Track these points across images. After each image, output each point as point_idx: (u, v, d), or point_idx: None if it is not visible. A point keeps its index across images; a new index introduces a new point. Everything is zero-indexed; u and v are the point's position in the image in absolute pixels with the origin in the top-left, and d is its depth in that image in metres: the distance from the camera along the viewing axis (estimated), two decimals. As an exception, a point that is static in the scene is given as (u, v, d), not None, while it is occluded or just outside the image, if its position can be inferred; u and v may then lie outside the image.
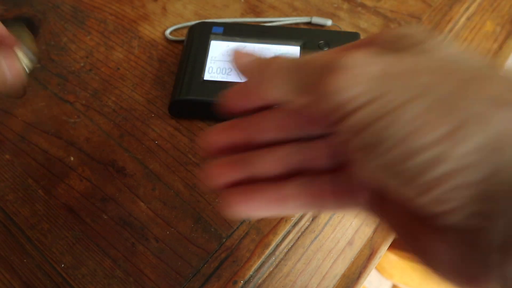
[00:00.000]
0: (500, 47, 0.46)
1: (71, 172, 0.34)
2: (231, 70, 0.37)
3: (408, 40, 0.18)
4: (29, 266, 0.30)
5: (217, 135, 0.23)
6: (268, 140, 0.23)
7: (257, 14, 0.45)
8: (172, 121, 0.37)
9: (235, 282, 0.29)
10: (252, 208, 0.21)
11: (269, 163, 0.22)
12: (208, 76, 0.36)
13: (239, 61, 0.21)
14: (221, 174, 0.22)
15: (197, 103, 0.35)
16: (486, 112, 0.14)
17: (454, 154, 0.13)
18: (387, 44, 0.18)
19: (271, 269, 0.30)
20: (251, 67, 0.20)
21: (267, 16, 0.45)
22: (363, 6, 0.46)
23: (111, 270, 0.30)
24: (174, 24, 0.44)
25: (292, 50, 0.38)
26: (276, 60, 0.19)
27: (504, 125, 0.13)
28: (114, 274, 0.30)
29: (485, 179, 0.13)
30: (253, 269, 0.30)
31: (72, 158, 0.35)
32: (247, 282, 0.30)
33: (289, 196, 0.21)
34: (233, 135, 0.23)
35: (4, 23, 0.25)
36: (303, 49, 0.38)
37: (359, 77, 0.15)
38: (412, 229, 0.17)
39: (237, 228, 0.31)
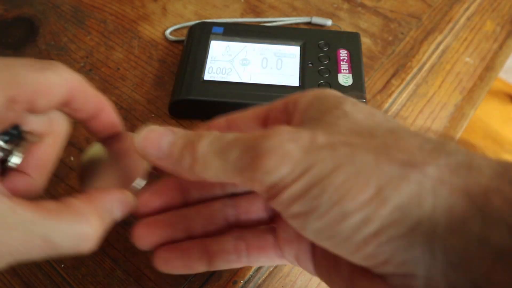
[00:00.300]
0: (500, 47, 0.46)
1: (71, 172, 0.34)
2: (231, 70, 0.37)
3: (323, 105, 0.19)
4: (29, 266, 0.30)
5: (153, 197, 0.24)
6: (203, 197, 0.24)
7: (257, 14, 0.45)
8: (172, 121, 0.37)
9: (235, 282, 0.29)
10: (185, 266, 0.22)
11: (203, 219, 0.23)
12: (208, 76, 0.36)
13: (153, 145, 0.20)
14: (154, 233, 0.23)
15: (197, 103, 0.35)
16: (400, 176, 0.15)
17: (379, 214, 0.15)
18: (304, 111, 0.20)
19: (271, 269, 0.30)
20: (173, 153, 0.19)
21: (267, 16, 0.45)
22: (363, 6, 0.46)
23: (111, 270, 0.30)
24: (174, 24, 0.44)
25: (292, 50, 0.38)
26: (200, 141, 0.19)
27: (414, 186, 0.15)
28: (114, 274, 0.29)
29: (407, 233, 0.15)
30: (253, 269, 0.30)
31: (72, 158, 0.35)
32: (247, 282, 0.30)
33: (224, 250, 0.22)
34: (168, 195, 0.24)
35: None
36: (303, 49, 0.38)
37: (285, 157, 0.16)
38: (353, 277, 0.18)
39: (237, 228, 0.31)
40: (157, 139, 0.20)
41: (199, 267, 0.23)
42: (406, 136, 0.17)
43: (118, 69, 0.40)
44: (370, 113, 0.19)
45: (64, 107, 0.22)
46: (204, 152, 0.18)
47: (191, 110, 0.36)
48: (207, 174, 0.19)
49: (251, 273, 0.30)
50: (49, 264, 0.30)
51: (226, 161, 0.18)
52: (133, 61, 0.41)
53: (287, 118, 0.21)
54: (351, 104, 0.19)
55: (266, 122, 0.23)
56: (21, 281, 0.29)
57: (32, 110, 0.20)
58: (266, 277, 0.30)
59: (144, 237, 0.23)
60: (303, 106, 0.20)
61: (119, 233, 0.31)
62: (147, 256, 0.30)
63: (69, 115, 0.23)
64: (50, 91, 0.20)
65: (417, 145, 0.17)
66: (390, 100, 0.39)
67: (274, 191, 0.17)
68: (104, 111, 0.24)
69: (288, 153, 0.16)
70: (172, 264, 0.23)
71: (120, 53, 0.42)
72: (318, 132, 0.17)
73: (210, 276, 0.29)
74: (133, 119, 0.37)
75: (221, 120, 0.24)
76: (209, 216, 0.23)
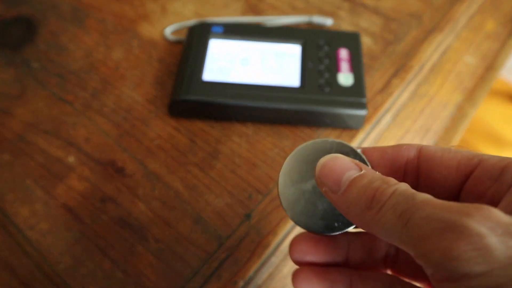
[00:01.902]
0: (502, 47, 0.45)
1: (70, 172, 0.34)
2: (231, 70, 0.37)
3: None
4: (28, 266, 0.30)
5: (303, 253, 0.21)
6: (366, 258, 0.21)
7: (257, 14, 0.45)
8: (172, 121, 0.37)
9: (235, 283, 0.29)
10: None
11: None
12: (208, 76, 0.36)
13: (333, 176, 0.18)
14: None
15: (197, 103, 0.35)
16: None
17: None
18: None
19: (271, 269, 0.30)
20: (350, 192, 0.17)
21: (267, 16, 0.44)
22: (364, 5, 0.46)
23: (110, 270, 0.29)
24: (174, 24, 0.43)
25: (293, 50, 0.38)
26: (387, 190, 0.16)
27: None
28: (113, 275, 0.29)
29: None
30: (253, 269, 0.30)
31: (71, 159, 0.35)
32: (247, 282, 0.29)
33: None
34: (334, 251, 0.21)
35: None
36: (303, 48, 0.38)
37: (486, 250, 0.13)
38: None
39: (237, 228, 0.31)
40: (339, 171, 0.18)
41: None
42: None
43: (118, 69, 0.40)
44: None
45: None
46: (383, 204, 0.16)
47: (191, 110, 0.36)
48: (376, 230, 0.16)
49: (251, 273, 0.30)
50: (48, 265, 0.30)
51: (404, 224, 0.15)
52: (132, 61, 0.41)
53: (497, 189, 0.17)
54: None
55: (468, 179, 0.18)
56: (20, 282, 0.29)
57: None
58: (266, 277, 0.30)
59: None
60: None
61: (118, 234, 0.31)
62: (146, 256, 0.30)
63: None
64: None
65: None
66: (390, 100, 0.38)
67: (449, 285, 0.14)
68: None
69: (488, 249, 0.13)
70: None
71: (120, 53, 0.41)
72: None
73: (210, 276, 0.29)
74: (132, 119, 0.37)
75: (412, 152, 0.20)
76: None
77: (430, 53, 0.42)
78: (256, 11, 0.45)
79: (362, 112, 0.34)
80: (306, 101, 0.34)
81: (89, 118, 0.37)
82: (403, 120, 0.39)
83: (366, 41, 0.42)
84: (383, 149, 0.20)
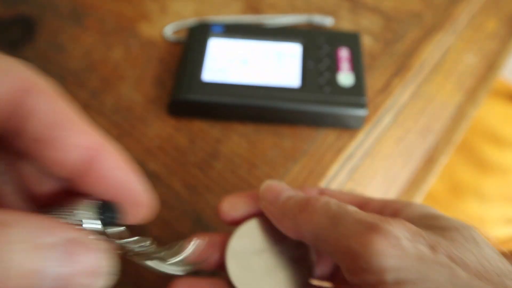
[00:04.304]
0: (504, 46, 0.45)
1: (69, 172, 0.34)
2: (230, 70, 0.36)
3: (442, 222, 0.18)
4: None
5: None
6: None
7: (257, 13, 0.45)
8: (172, 121, 0.36)
9: (235, 284, 0.29)
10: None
11: None
12: (207, 76, 0.36)
13: (273, 192, 0.21)
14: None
15: (196, 103, 0.35)
16: None
17: None
18: (414, 218, 0.18)
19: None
20: (286, 204, 0.20)
21: (267, 15, 0.44)
22: (364, 4, 0.45)
23: (109, 271, 0.29)
24: (174, 24, 0.43)
25: (293, 50, 0.38)
26: (316, 201, 0.19)
27: None
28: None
29: None
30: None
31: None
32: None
33: None
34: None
35: None
36: (304, 48, 0.38)
37: (400, 249, 0.15)
38: None
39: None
40: (278, 189, 0.21)
41: None
42: None
43: (117, 68, 0.40)
44: (493, 249, 0.17)
45: (72, 173, 0.16)
46: (317, 208, 0.18)
47: (190, 110, 0.36)
48: (307, 231, 0.19)
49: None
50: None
51: (335, 226, 0.17)
52: (132, 60, 0.41)
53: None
54: (473, 231, 0.17)
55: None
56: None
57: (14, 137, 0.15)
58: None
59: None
60: (411, 219, 0.18)
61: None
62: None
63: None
64: (69, 141, 0.16)
65: None
66: (391, 100, 0.38)
67: (377, 279, 0.15)
68: (129, 190, 0.18)
69: (403, 248, 0.15)
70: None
71: (119, 53, 0.41)
72: (441, 241, 0.16)
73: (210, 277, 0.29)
74: (132, 118, 0.37)
75: (314, 191, 0.23)
76: None
77: (431, 53, 0.42)
78: (256, 10, 0.45)
79: (362, 112, 0.34)
80: (306, 101, 0.34)
81: (88, 118, 0.37)
82: (404, 120, 0.39)
83: (366, 41, 0.42)
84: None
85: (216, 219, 0.31)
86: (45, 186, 0.17)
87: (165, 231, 0.31)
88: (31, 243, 0.11)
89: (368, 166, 0.36)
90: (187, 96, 0.35)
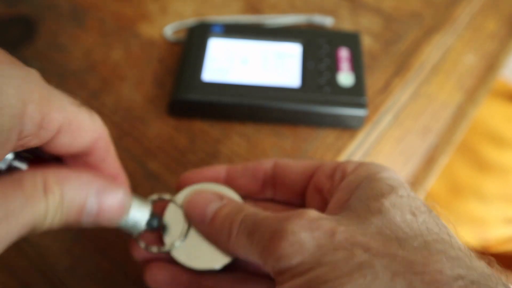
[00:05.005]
0: (503, 47, 0.45)
1: (69, 172, 0.34)
2: (230, 70, 0.36)
3: (368, 191, 0.18)
4: (26, 267, 0.29)
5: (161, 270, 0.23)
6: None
7: (257, 13, 0.45)
8: (171, 121, 0.36)
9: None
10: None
11: None
12: (207, 76, 0.36)
13: (199, 211, 0.21)
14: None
15: (196, 103, 0.35)
16: None
17: None
18: (347, 190, 0.19)
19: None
20: (214, 224, 0.21)
21: (267, 15, 0.44)
22: (364, 4, 0.45)
23: (109, 271, 0.29)
24: (174, 24, 0.43)
25: (293, 50, 0.38)
26: (238, 216, 0.20)
27: None
28: (112, 276, 0.29)
29: None
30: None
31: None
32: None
33: None
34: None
35: None
36: (304, 48, 0.38)
37: (298, 246, 0.16)
38: None
39: (237, 229, 0.31)
40: (203, 205, 0.21)
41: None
42: (441, 257, 0.15)
43: (117, 68, 0.40)
44: (413, 214, 0.17)
45: (81, 155, 0.20)
46: (238, 230, 0.19)
47: (190, 110, 0.36)
48: (238, 252, 0.20)
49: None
50: (47, 266, 0.29)
51: (252, 241, 0.18)
52: (132, 60, 0.41)
53: (331, 186, 0.21)
54: (395, 198, 0.17)
55: (311, 180, 0.22)
56: (18, 283, 0.29)
57: (51, 142, 0.18)
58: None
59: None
60: (349, 184, 0.19)
61: (117, 234, 0.31)
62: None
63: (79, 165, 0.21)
64: (80, 131, 0.19)
65: (451, 275, 0.14)
66: (391, 100, 0.38)
67: (280, 278, 0.17)
68: (116, 179, 0.22)
69: (301, 243, 0.16)
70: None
71: (119, 53, 0.41)
72: (342, 225, 0.17)
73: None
74: (132, 119, 0.37)
75: (269, 164, 0.23)
76: None
77: (431, 53, 0.42)
78: (256, 10, 0.45)
79: (362, 112, 0.34)
80: (306, 101, 0.34)
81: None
82: (404, 120, 0.39)
83: (366, 41, 0.42)
84: (245, 164, 0.24)
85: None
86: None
87: (165, 231, 0.31)
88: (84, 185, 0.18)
89: (368, 166, 0.36)
90: (187, 96, 0.35)
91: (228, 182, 0.23)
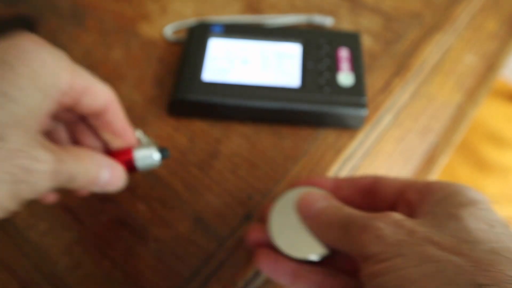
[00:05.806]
0: (503, 46, 0.45)
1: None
2: (230, 70, 0.36)
3: (451, 201, 0.21)
4: (27, 267, 0.30)
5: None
6: None
7: (257, 13, 0.45)
8: (171, 121, 0.36)
9: (235, 284, 0.29)
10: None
11: None
12: (207, 76, 0.36)
13: (307, 207, 0.25)
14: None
15: (196, 103, 0.35)
16: None
17: None
18: (435, 205, 0.22)
19: (271, 270, 0.30)
20: (321, 220, 0.24)
21: (267, 15, 0.44)
22: (364, 4, 0.45)
23: (109, 271, 0.29)
24: (174, 23, 0.43)
25: (293, 50, 0.38)
26: (323, 211, 0.24)
27: None
28: (112, 275, 0.29)
29: None
30: (253, 270, 0.30)
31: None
32: (247, 283, 0.29)
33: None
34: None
35: None
36: (304, 48, 0.38)
37: (380, 237, 0.20)
38: None
39: (237, 229, 0.31)
40: (313, 201, 0.25)
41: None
42: (507, 262, 0.17)
43: (117, 68, 0.40)
44: (488, 224, 0.19)
45: (98, 115, 0.26)
46: (337, 224, 0.23)
47: (191, 110, 0.36)
48: (334, 243, 0.23)
49: (251, 274, 0.29)
50: (47, 265, 0.30)
51: (346, 233, 0.22)
52: (132, 60, 0.41)
53: (419, 200, 0.23)
54: (474, 210, 0.20)
55: (403, 195, 0.24)
56: (18, 282, 0.29)
57: (75, 105, 0.24)
58: (266, 278, 0.30)
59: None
60: (435, 197, 0.22)
61: (118, 234, 0.31)
62: (146, 257, 0.30)
63: (95, 127, 0.27)
64: (96, 94, 0.24)
65: None
66: (391, 100, 0.38)
67: (365, 264, 0.20)
68: (125, 135, 0.27)
69: (384, 237, 0.20)
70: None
71: (119, 53, 0.41)
72: (421, 226, 0.20)
73: (210, 277, 0.29)
74: (132, 118, 0.36)
75: (369, 180, 0.27)
76: None
77: (431, 53, 0.42)
78: (256, 11, 0.45)
79: (362, 112, 0.34)
80: (306, 101, 0.34)
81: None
82: (404, 120, 0.39)
83: (366, 41, 0.42)
84: (350, 177, 0.27)
85: (216, 219, 0.31)
86: (88, 142, 0.27)
87: (165, 231, 0.31)
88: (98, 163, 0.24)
89: (368, 166, 0.36)
90: (187, 96, 0.35)
91: (334, 190, 0.27)
